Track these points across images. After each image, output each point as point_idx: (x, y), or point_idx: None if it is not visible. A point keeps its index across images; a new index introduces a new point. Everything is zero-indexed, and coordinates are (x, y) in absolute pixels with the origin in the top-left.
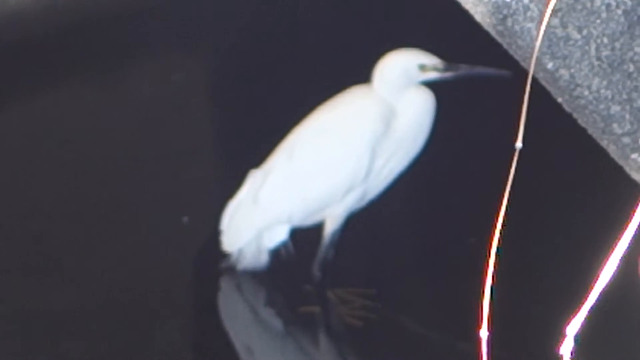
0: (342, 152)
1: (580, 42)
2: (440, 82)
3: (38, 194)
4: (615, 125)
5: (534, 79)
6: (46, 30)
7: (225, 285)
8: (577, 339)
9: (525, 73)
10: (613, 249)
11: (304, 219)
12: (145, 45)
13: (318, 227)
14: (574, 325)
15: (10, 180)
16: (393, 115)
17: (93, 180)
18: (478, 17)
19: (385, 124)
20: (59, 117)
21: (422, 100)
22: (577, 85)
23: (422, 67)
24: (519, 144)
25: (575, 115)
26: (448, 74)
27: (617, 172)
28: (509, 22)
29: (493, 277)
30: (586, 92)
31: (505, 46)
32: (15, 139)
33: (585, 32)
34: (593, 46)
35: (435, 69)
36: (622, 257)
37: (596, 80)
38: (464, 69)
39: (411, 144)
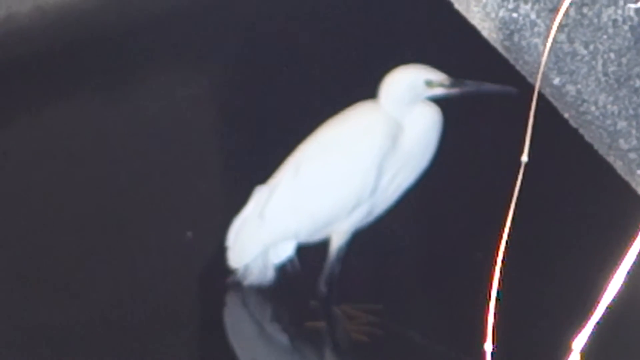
0: (348, 168)
1: (586, 58)
2: (446, 98)
3: (43, 208)
4: (621, 141)
5: (541, 95)
6: (52, 46)
7: (231, 301)
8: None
9: (532, 88)
10: (619, 264)
11: (311, 235)
12: (151, 61)
13: (324, 243)
14: (580, 340)
15: (16, 193)
16: (400, 131)
17: (98, 195)
18: (485, 33)
19: (391, 140)
20: (65, 131)
21: (429, 116)
22: (584, 100)
23: (429, 83)
24: (524, 158)
25: (581, 130)
26: (454, 90)
27: (624, 188)
28: (516, 37)
29: (498, 291)
30: (593, 108)
31: (512, 62)
32: (22, 153)
33: (591, 47)
34: (600, 62)
35: (442, 85)
36: (628, 272)
37: (603, 96)
38: (470, 85)
39: (418, 160)
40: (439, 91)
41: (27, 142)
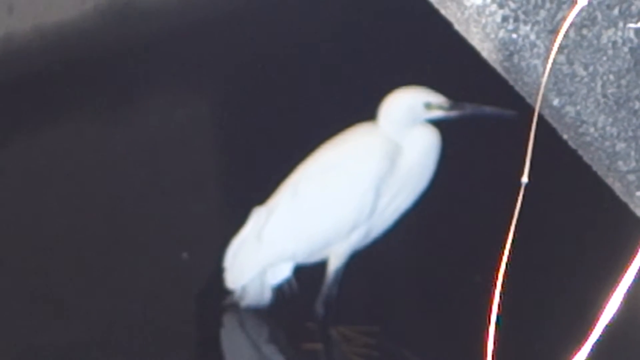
0: (346, 189)
1: (586, 79)
2: (445, 121)
3: (40, 228)
4: (620, 163)
5: (540, 116)
6: (51, 66)
7: (228, 322)
8: None
9: (531, 109)
10: (617, 285)
11: (308, 257)
12: (150, 81)
13: (322, 265)
14: None
15: (13, 213)
16: (398, 153)
17: (96, 215)
18: (484, 54)
19: (390, 162)
20: (62, 151)
21: (428, 139)
22: (583, 122)
23: (428, 106)
24: (524, 179)
25: (580, 152)
26: (453, 113)
27: (622, 210)
28: (516, 58)
29: (497, 313)
30: (592, 129)
31: (511, 82)
32: (19, 173)
33: (591, 69)
34: (599, 83)
35: (441, 107)
36: (626, 293)
37: (602, 118)
38: (469, 108)
39: (416, 182)
40: (438, 114)
41: (25, 162)
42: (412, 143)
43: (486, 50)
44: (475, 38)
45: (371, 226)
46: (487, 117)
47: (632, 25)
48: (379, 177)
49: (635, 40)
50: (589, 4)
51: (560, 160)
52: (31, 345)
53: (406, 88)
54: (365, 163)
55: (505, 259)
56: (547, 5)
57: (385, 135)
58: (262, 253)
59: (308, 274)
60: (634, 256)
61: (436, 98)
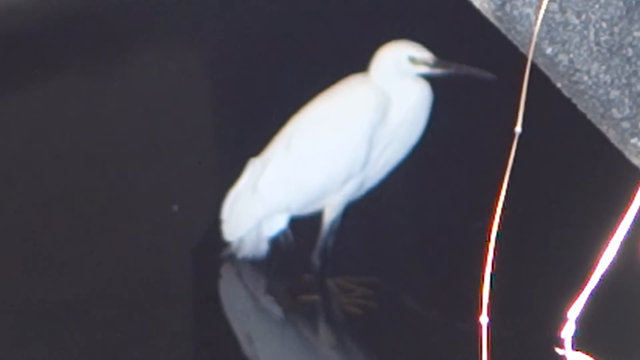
0: (339, 141)
1: (579, 27)
2: (430, 77)
3: (32, 186)
4: (614, 110)
5: (533, 64)
6: (43, 22)
7: (226, 274)
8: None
9: (524, 58)
10: (613, 233)
11: (303, 208)
12: (143, 36)
13: (317, 216)
14: (575, 309)
15: (4, 171)
16: (389, 104)
17: (90, 171)
18: (477, 3)
19: (381, 113)
20: (55, 107)
21: (416, 92)
22: (576, 70)
23: (413, 60)
24: (518, 129)
25: (574, 100)
26: (437, 71)
27: (617, 157)
28: (508, 7)
29: (493, 261)
30: (585, 77)
31: (504, 31)
32: (10, 129)
33: (584, 17)
34: (592, 31)
35: (426, 63)
36: (622, 241)
37: (595, 65)
38: (453, 67)
39: (407, 135)
40: (422, 70)
41: (16, 118)
42: (401, 96)
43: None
44: None
45: (365, 177)
46: (468, 78)
47: None
48: (371, 128)
49: None
50: None
51: (554, 108)
52: (27, 301)
53: (396, 42)
54: (358, 114)
55: (500, 206)
56: None
57: (376, 87)
58: (258, 204)
59: (304, 226)
60: (630, 203)
61: (422, 54)
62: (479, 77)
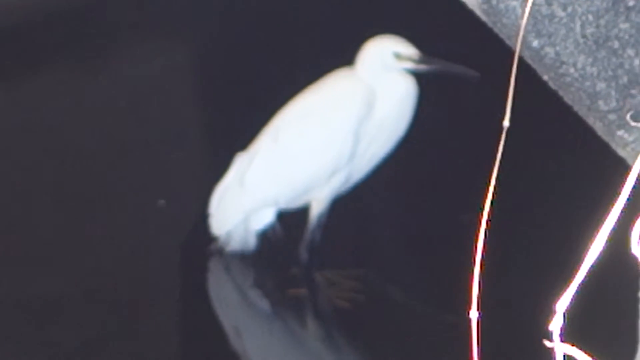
0: (326, 134)
1: (565, 20)
2: (415, 73)
3: (20, 179)
4: (601, 102)
5: (519, 58)
6: (29, 15)
7: (214, 267)
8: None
9: (511, 52)
10: (601, 226)
11: (290, 202)
12: (129, 29)
13: (305, 210)
14: (564, 302)
15: None
16: (374, 98)
17: (77, 166)
18: None
19: (367, 106)
20: (41, 101)
21: (401, 87)
22: (563, 62)
23: (398, 56)
24: (506, 122)
25: (561, 92)
26: (422, 67)
27: (604, 149)
28: (494, 0)
29: (482, 254)
30: (572, 70)
31: (490, 25)
32: None
33: (570, 9)
34: (578, 23)
35: (411, 59)
36: (609, 233)
37: (581, 58)
38: (437, 64)
39: (392, 128)
40: (407, 65)
41: (4, 113)
42: (386, 90)
43: None
44: None
45: (351, 170)
46: (452, 75)
47: None
48: (358, 121)
49: None
50: None
51: (541, 101)
52: (12, 298)
53: (382, 37)
54: (344, 107)
55: (488, 199)
56: None
57: (362, 81)
58: (245, 198)
59: (292, 220)
60: (617, 196)
61: (407, 49)
62: (463, 75)
